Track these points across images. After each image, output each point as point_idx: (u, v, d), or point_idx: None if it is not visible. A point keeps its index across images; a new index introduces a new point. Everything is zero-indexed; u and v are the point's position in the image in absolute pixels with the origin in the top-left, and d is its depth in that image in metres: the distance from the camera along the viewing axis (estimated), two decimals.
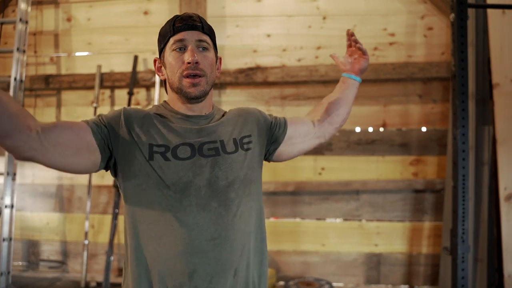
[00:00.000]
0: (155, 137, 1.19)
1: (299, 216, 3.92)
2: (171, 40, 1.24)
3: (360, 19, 3.87)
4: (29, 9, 3.94)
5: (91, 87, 4.09)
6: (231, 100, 4.01)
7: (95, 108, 4.00)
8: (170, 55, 1.24)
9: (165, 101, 1.34)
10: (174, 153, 1.17)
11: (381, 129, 3.86)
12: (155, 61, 1.33)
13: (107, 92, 4.17)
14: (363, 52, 1.55)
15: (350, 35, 1.57)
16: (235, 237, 1.18)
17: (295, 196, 3.93)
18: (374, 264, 3.87)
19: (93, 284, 3.86)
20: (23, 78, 3.89)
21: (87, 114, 4.16)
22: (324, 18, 3.92)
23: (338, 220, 3.91)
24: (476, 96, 3.51)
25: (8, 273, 3.66)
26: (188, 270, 1.13)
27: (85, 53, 4.21)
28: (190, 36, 1.22)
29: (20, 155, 1.04)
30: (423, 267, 3.81)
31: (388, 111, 3.87)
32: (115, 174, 1.24)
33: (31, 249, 4.30)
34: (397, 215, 3.84)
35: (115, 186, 3.79)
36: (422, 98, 3.83)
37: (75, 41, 4.23)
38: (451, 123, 3.48)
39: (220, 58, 1.37)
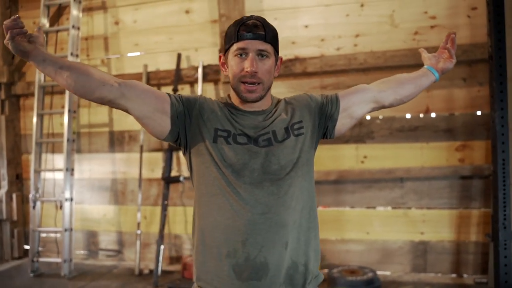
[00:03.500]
0: (221, 122, 1.37)
1: (342, 205, 3.94)
2: (234, 46, 1.35)
3: (399, 3, 3.79)
4: (81, 15, 4.23)
5: None
6: (272, 92, 4.07)
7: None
8: (232, 59, 1.36)
9: (228, 95, 1.48)
10: (234, 139, 1.34)
11: (427, 115, 3.78)
12: (220, 57, 1.46)
13: None
14: (451, 55, 1.62)
15: (452, 39, 1.63)
16: (285, 213, 1.32)
17: (338, 185, 3.95)
18: (421, 252, 3.81)
19: (146, 271, 4.09)
20: None
21: None
22: (362, 5, 3.88)
23: (382, 208, 3.88)
24: None
25: (71, 260, 3.99)
26: (241, 238, 1.29)
27: (133, 54, 4.44)
28: (252, 45, 1.32)
29: (111, 101, 1.32)
30: (472, 256, 3.70)
31: (431, 96, 3.77)
32: (184, 149, 1.43)
33: (91, 239, 4.62)
34: (443, 202, 3.75)
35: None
36: (467, 82, 3.69)
37: (123, 43, 4.48)
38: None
39: (281, 58, 1.48)
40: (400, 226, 3.85)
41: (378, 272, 3.69)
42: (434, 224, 3.78)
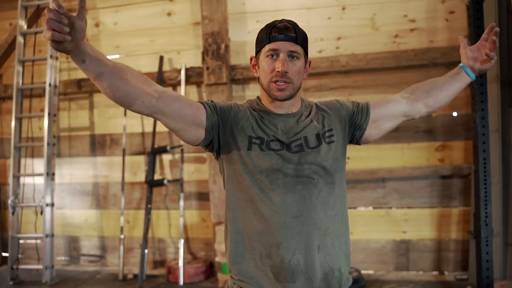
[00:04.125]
0: (254, 130, 1.39)
1: None
2: (266, 47, 1.37)
3: (380, 7, 3.86)
4: None
5: None
6: (255, 95, 4.07)
7: (126, 109, 4.17)
8: (264, 60, 1.39)
9: (258, 97, 1.50)
10: (268, 145, 1.37)
11: None
12: (251, 58, 1.48)
13: None
14: (490, 57, 1.52)
15: (494, 32, 1.50)
16: (317, 218, 1.35)
17: None
18: (403, 251, 3.88)
19: (130, 276, 4.04)
20: (57, 83, 4.12)
21: (118, 114, 4.34)
22: (343, 8, 3.93)
23: (366, 208, 3.94)
24: (501, 78, 3.45)
25: (52, 266, 3.92)
26: (276, 242, 1.34)
27: (114, 56, 4.39)
28: (284, 47, 1.35)
29: (148, 115, 1.31)
30: (453, 253, 3.79)
31: None
32: (217, 155, 1.45)
33: (72, 244, 4.54)
34: (424, 202, 3.83)
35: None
36: None
37: (104, 45, 4.42)
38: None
39: (310, 62, 1.48)
40: (382, 225, 3.92)
41: (362, 272, 3.75)
42: (416, 223, 3.86)
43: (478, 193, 2.43)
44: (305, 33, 1.42)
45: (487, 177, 2.41)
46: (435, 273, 3.82)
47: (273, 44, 1.36)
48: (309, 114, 1.46)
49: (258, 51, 1.43)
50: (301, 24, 4.25)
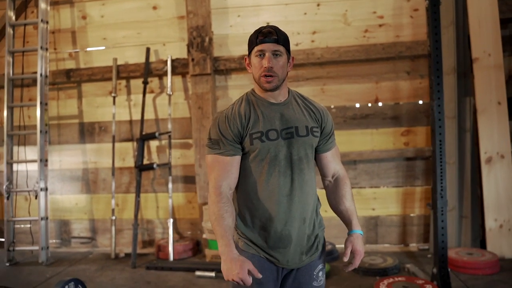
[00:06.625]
0: (252, 127, 1.70)
1: None
2: (255, 49, 1.70)
3: (351, 4, 4.21)
4: (48, 9, 4.33)
5: (109, 79, 4.50)
6: (236, 84, 4.40)
7: (114, 97, 4.41)
8: (254, 59, 1.71)
9: (252, 89, 1.80)
10: (266, 136, 1.68)
11: (376, 104, 4.25)
12: (245, 59, 1.80)
13: (123, 82, 4.58)
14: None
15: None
16: (302, 196, 1.69)
17: None
18: (372, 226, 4.30)
19: (122, 255, 4.31)
20: (47, 74, 4.30)
21: (106, 103, 4.57)
22: (318, 5, 4.26)
23: None
24: (458, 70, 3.88)
25: (47, 247, 4.15)
26: (270, 216, 1.67)
27: (102, 48, 4.59)
28: (268, 47, 1.67)
29: None
30: (416, 227, 4.24)
31: (379, 88, 4.25)
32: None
33: (63, 228, 4.77)
34: (391, 181, 4.26)
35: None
36: (410, 74, 4.20)
37: (91, 37, 4.62)
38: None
39: (293, 58, 1.78)
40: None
41: (336, 245, 4.15)
42: (383, 201, 4.29)
43: (435, 170, 2.83)
44: (286, 35, 1.75)
45: (442, 156, 2.81)
46: (401, 245, 4.26)
47: (260, 46, 1.68)
48: (298, 105, 1.79)
49: (249, 52, 1.76)
50: (278, 19, 4.58)
